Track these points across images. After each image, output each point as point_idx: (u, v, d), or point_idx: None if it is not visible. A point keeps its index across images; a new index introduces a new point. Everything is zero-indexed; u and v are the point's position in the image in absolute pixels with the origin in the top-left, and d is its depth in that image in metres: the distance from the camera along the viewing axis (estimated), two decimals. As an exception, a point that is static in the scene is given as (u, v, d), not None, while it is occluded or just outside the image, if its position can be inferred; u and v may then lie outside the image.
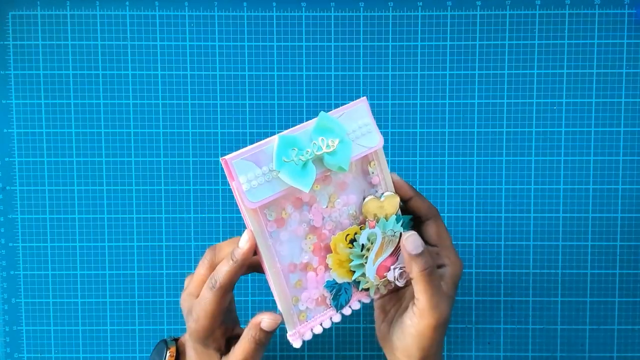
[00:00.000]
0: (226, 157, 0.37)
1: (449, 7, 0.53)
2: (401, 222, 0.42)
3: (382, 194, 0.41)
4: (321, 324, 0.41)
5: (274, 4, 0.53)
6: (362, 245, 0.41)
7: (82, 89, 0.54)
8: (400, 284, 0.42)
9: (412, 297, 0.42)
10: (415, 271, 0.40)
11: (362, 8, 0.53)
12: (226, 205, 0.55)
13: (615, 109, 0.54)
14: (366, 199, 0.41)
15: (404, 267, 0.42)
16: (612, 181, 0.54)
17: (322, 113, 0.39)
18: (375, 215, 0.41)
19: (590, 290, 0.55)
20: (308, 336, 0.41)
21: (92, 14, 0.53)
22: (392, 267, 0.42)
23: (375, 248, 0.41)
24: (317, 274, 0.41)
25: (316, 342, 0.54)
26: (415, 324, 0.41)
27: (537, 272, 0.55)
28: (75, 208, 0.54)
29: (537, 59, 0.53)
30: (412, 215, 0.43)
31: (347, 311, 0.42)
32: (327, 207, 0.41)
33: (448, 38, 0.53)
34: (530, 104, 0.54)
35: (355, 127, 0.40)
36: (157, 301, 0.55)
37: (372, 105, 0.53)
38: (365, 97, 0.40)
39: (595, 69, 0.53)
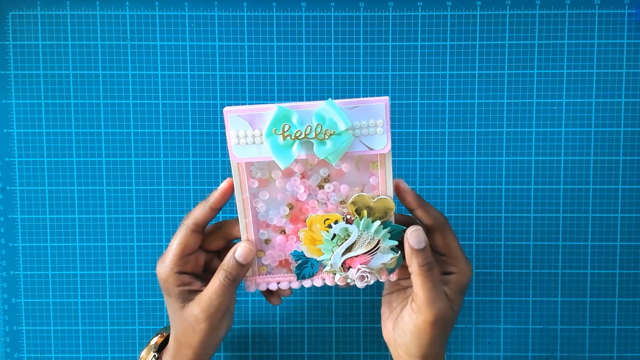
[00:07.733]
0: (227, 108, 0.39)
1: (449, 7, 0.53)
2: (389, 229, 0.41)
3: (378, 196, 0.41)
4: (278, 283, 0.44)
5: (274, 4, 0.53)
6: (334, 235, 0.41)
7: (82, 89, 0.54)
8: (359, 285, 0.42)
9: None
10: (414, 266, 0.41)
11: (362, 8, 0.53)
12: (226, 205, 0.54)
13: (615, 109, 0.54)
14: (355, 195, 0.41)
15: (368, 272, 0.42)
16: (612, 181, 0.54)
17: (329, 100, 0.38)
18: (360, 212, 0.41)
19: (590, 290, 0.55)
20: (262, 287, 0.44)
21: (92, 14, 0.53)
22: (357, 267, 0.42)
23: (347, 244, 0.41)
24: (287, 240, 0.43)
25: (316, 342, 0.54)
26: (413, 320, 0.41)
27: (537, 272, 0.55)
28: (75, 208, 0.54)
29: (537, 59, 0.53)
30: (405, 228, 0.42)
31: (307, 283, 0.44)
32: (316, 186, 0.42)
33: (448, 38, 0.53)
34: (530, 104, 0.54)
35: (365, 124, 0.39)
36: (157, 301, 0.55)
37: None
38: (388, 97, 0.39)
39: (595, 69, 0.53)
